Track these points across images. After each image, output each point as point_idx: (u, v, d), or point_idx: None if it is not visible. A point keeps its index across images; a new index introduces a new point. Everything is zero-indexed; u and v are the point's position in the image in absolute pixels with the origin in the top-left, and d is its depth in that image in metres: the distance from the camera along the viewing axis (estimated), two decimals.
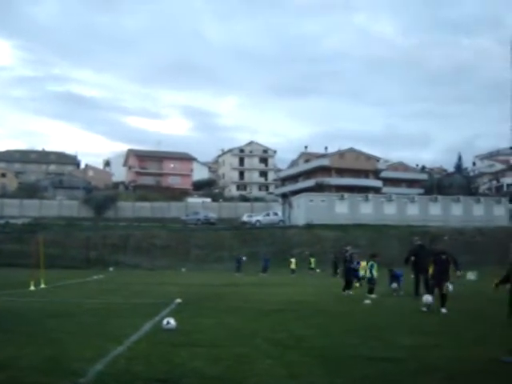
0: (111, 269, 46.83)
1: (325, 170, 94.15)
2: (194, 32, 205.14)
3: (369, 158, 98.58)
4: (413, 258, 21.24)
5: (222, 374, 7.57)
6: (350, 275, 24.21)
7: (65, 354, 8.99)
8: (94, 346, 9.84)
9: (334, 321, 14.34)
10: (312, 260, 44.89)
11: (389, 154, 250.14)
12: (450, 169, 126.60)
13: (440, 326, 13.43)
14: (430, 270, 16.64)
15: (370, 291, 21.75)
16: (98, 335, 11.14)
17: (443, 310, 15.90)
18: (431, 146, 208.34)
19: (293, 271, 42.31)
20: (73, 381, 7.20)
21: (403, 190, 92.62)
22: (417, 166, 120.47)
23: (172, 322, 11.94)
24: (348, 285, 23.74)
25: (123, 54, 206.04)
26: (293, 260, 43.60)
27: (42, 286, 25.91)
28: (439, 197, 70.60)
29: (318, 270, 44.33)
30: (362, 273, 25.60)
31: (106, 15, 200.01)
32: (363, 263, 25.69)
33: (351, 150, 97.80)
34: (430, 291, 16.91)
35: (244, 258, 45.08)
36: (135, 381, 7.28)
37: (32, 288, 24.56)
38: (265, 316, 15.08)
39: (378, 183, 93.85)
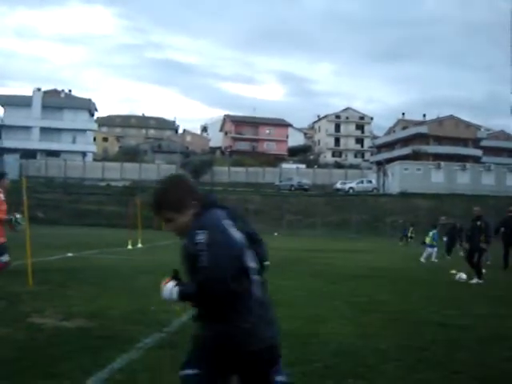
0: None
1: (422, 138, 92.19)
2: None
3: (469, 126, 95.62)
4: (502, 229, 20.83)
5: (294, 330, 7.96)
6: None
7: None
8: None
9: (416, 288, 14.44)
10: (411, 229, 44.01)
11: (490, 122, 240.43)
12: None
13: None
14: None
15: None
16: None
17: None
18: None
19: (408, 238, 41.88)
20: (158, 329, 7.87)
21: (504, 159, 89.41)
22: None
23: None
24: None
25: (218, 21, 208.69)
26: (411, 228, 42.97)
27: (139, 245, 27.30)
28: None
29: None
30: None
31: None
32: None
33: (451, 118, 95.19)
34: None
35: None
36: None
37: (130, 247, 25.98)
38: (347, 280, 15.39)
39: (477, 152, 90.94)
